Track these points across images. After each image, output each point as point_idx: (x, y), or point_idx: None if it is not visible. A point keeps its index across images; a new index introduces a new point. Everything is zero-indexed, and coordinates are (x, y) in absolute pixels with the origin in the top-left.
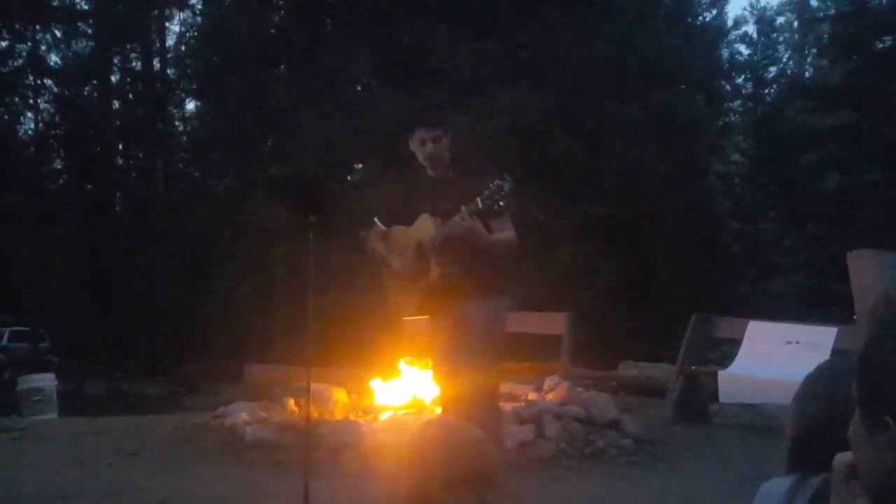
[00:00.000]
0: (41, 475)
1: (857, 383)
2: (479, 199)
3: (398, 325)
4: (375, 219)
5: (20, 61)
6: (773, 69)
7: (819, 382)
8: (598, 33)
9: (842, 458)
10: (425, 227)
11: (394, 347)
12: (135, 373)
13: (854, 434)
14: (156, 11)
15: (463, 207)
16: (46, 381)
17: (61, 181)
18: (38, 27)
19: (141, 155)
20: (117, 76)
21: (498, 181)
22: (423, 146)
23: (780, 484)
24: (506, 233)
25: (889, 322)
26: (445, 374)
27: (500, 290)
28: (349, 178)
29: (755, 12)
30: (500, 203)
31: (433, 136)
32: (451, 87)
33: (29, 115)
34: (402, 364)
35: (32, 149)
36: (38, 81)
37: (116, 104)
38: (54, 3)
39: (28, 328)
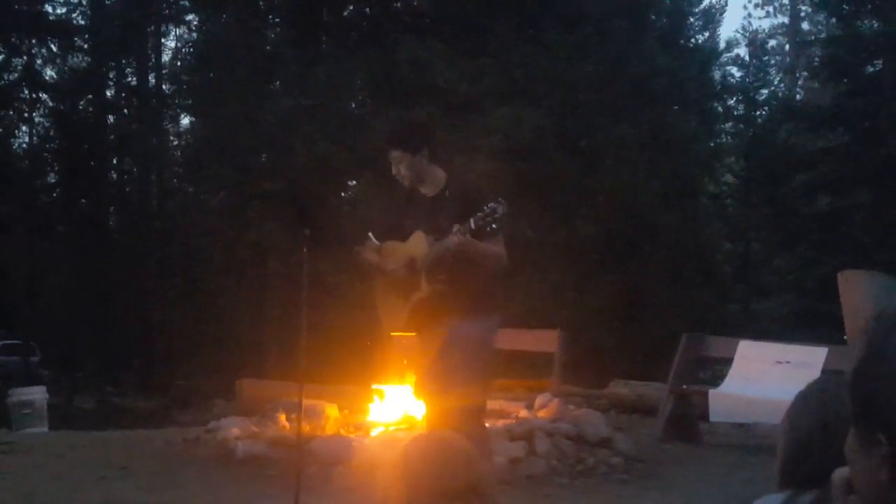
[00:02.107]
0: (30, 488)
1: (850, 399)
2: (471, 220)
3: (387, 342)
4: (370, 234)
5: (16, 75)
6: (764, 91)
7: (811, 400)
8: (591, 52)
9: (840, 473)
10: (419, 244)
11: (382, 364)
12: (126, 387)
13: (849, 450)
14: (152, 27)
15: (456, 227)
16: (37, 394)
17: (55, 195)
18: (34, 41)
19: (135, 169)
20: (113, 91)
21: (492, 203)
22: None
23: (771, 501)
24: (495, 248)
25: (881, 338)
26: (432, 392)
27: (490, 308)
28: (343, 194)
29: (747, 35)
30: (493, 225)
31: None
32: (446, 104)
33: (24, 128)
34: (378, 386)
35: (27, 162)
36: (34, 95)
37: (111, 119)
38: (51, 18)
39: (19, 341)
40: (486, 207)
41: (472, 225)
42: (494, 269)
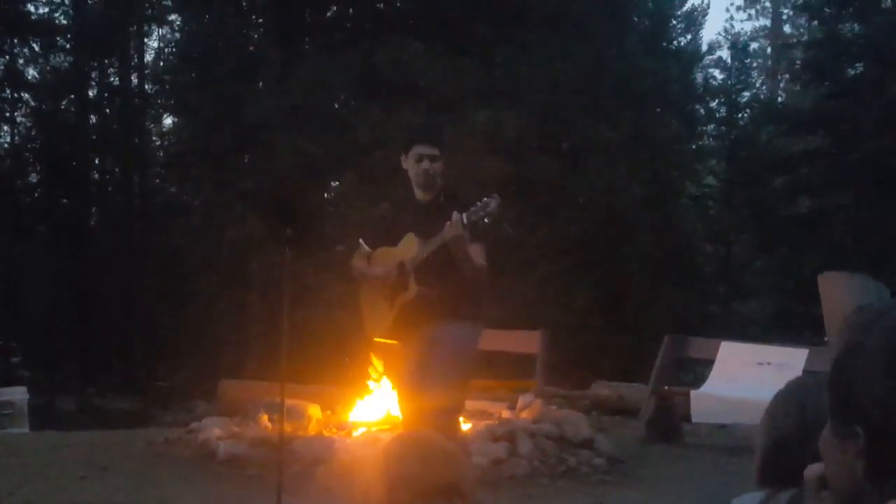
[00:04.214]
0: (9, 489)
1: (828, 392)
2: (464, 215)
3: (370, 344)
4: (361, 240)
5: None
6: (746, 94)
7: (790, 398)
8: (573, 53)
9: (813, 470)
10: (410, 246)
11: (365, 366)
12: (107, 388)
13: (824, 444)
14: (134, 27)
15: (455, 214)
16: (17, 394)
17: (36, 195)
18: (15, 41)
19: (117, 170)
20: (95, 91)
21: (486, 198)
22: (418, 163)
23: (750, 499)
24: (478, 259)
25: (860, 333)
26: (410, 394)
27: (474, 314)
28: (326, 194)
29: (729, 37)
30: (486, 220)
31: (431, 153)
32: (428, 104)
33: (5, 128)
34: (369, 383)
35: (8, 162)
36: (15, 95)
37: (93, 119)
38: (33, 17)
39: None
40: (478, 202)
41: (465, 220)
42: (475, 278)
